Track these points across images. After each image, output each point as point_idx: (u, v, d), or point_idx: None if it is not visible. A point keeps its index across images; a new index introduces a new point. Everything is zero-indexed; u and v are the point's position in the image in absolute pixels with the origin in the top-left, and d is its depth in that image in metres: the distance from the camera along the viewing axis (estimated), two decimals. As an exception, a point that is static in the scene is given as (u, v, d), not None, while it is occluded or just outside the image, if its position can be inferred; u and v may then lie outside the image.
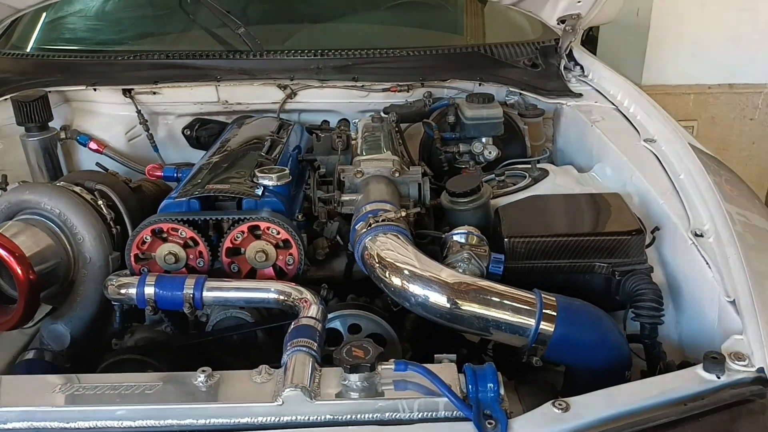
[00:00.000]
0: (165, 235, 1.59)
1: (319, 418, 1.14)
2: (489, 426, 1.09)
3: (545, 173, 1.92)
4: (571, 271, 1.56)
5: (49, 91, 2.36)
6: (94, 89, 2.43)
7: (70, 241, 1.70)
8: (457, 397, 1.12)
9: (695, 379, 1.20)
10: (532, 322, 1.36)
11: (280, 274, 1.61)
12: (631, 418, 1.14)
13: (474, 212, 1.69)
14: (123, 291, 1.53)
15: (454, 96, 2.45)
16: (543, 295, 1.39)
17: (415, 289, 1.40)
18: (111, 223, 1.77)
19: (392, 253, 1.46)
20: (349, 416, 1.14)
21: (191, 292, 1.48)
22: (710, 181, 1.65)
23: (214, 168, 1.83)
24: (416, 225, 1.73)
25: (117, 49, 2.70)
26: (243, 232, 1.58)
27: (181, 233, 1.58)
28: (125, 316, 1.64)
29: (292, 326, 1.32)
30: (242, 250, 1.60)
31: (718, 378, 1.19)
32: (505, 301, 1.37)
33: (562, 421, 1.12)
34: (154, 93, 2.46)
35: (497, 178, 1.93)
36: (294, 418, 1.14)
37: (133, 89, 2.45)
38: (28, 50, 2.77)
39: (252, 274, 1.61)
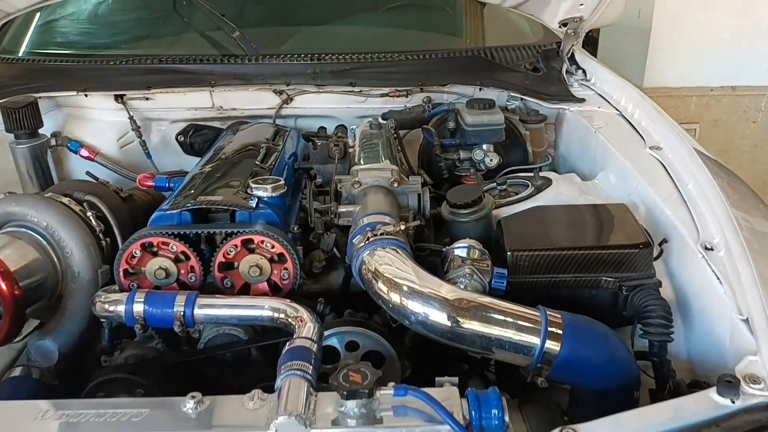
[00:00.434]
0: (155, 249, 1.54)
1: (314, 447, 1.08)
2: (493, 455, 1.04)
3: (548, 182, 1.86)
4: (577, 286, 1.51)
5: (39, 97, 2.31)
6: (86, 95, 2.38)
7: (57, 255, 1.64)
8: (460, 425, 1.06)
9: (709, 404, 1.14)
10: (536, 340, 1.30)
11: (275, 289, 1.56)
12: (642, 445, 1.08)
13: (475, 224, 1.63)
14: (111, 308, 1.48)
15: (454, 101, 2.40)
16: (548, 313, 1.34)
17: (414, 306, 1.35)
18: (100, 235, 1.71)
19: (391, 269, 1.41)
20: (345, 445, 1.08)
21: (182, 309, 1.42)
22: (719, 190, 1.59)
23: (207, 178, 1.77)
24: (416, 237, 1.68)
25: (109, 53, 2.64)
26: (236, 245, 1.53)
27: (171, 247, 1.53)
28: (115, 332, 1.58)
29: (286, 347, 1.26)
30: (235, 264, 1.54)
31: (733, 402, 1.14)
32: (509, 319, 1.32)
33: (569, 449, 1.07)
34: (147, 98, 2.41)
35: (499, 187, 1.88)
36: (288, 446, 1.08)
37: (125, 95, 2.39)
38: (20, 54, 2.72)
39: (246, 289, 1.56)
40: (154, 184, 1.87)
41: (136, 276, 1.55)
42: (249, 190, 1.65)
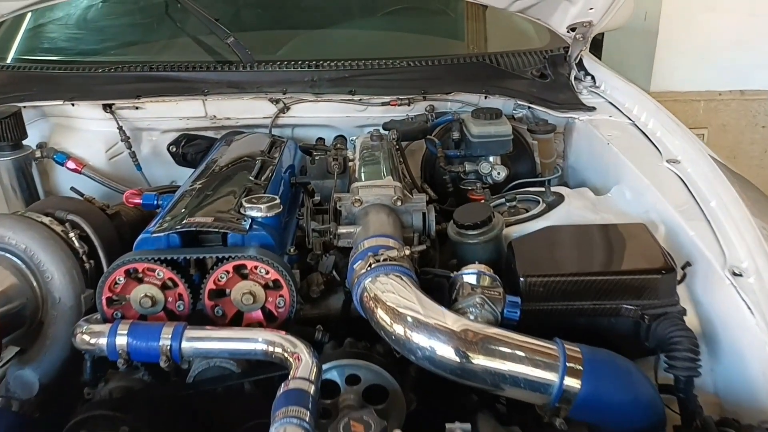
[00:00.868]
0: (140, 276, 1.43)
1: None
2: None
3: (560, 198, 1.75)
4: (594, 314, 1.40)
5: (24, 107, 2.20)
6: (72, 104, 2.27)
7: (37, 279, 1.54)
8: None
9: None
10: (554, 377, 1.20)
11: (270, 318, 1.45)
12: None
13: (484, 246, 1.52)
14: (93, 341, 1.36)
15: (458, 110, 2.29)
16: (566, 346, 1.23)
17: (419, 339, 1.24)
18: (84, 257, 1.61)
19: (394, 298, 1.30)
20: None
21: (168, 343, 1.31)
22: (746, 210, 1.48)
23: (198, 195, 1.66)
24: (420, 258, 1.57)
25: (97, 60, 2.54)
26: (227, 272, 1.41)
27: (158, 273, 1.41)
28: (98, 364, 1.47)
29: (281, 390, 1.16)
30: (227, 291, 1.43)
31: (774, 451, 1.03)
32: (524, 354, 1.21)
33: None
34: (137, 108, 2.29)
35: (508, 204, 1.76)
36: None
37: (113, 104, 2.28)
38: (8, 61, 2.61)
39: (238, 318, 1.45)
40: (141, 201, 1.75)
41: (120, 304, 1.44)
42: (242, 210, 1.54)
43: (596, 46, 3.96)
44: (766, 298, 1.30)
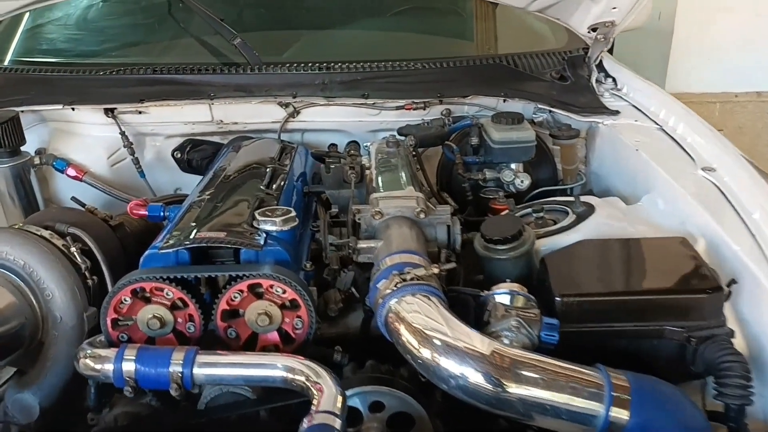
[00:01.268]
0: (148, 295, 1.33)
1: None
2: None
3: (590, 208, 1.65)
4: (636, 336, 1.31)
5: (22, 111, 2.10)
6: (72, 108, 2.16)
7: (37, 298, 1.44)
8: None
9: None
10: (600, 408, 1.11)
11: (287, 340, 1.35)
12: None
13: (515, 262, 1.43)
14: (98, 366, 1.26)
15: (476, 114, 2.20)
16: (610, 373, 1.14)
17: (452, 366, 1.15)
18: (86, 273, 1.51)
19: (423, 320, 1.20)
20: None
21: (179, 369, 1.21)
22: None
23: (207, 207, 1.56)
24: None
25: (98, 62, 2.43)
26: (242, 291, 1.32)
27: (167, 293, 1.31)
28: (102, 389, 1.37)
29: (305, 425, 1.06)
30: (241, 311, 1.33)
31: None
32: (566, 382, 1.12)
33: None
34: (140, 112, 2.19)
35: (535, 215, 1.66)
36: None
37: (116, 108, 2.18)
38: (5, 63, 2.51)
39: (253, 340, 1.35)
40: (147, 213, 1.65)
41: (126, 325, 1.34)
42: (255, 223, 1.43)
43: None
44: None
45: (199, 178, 2.22)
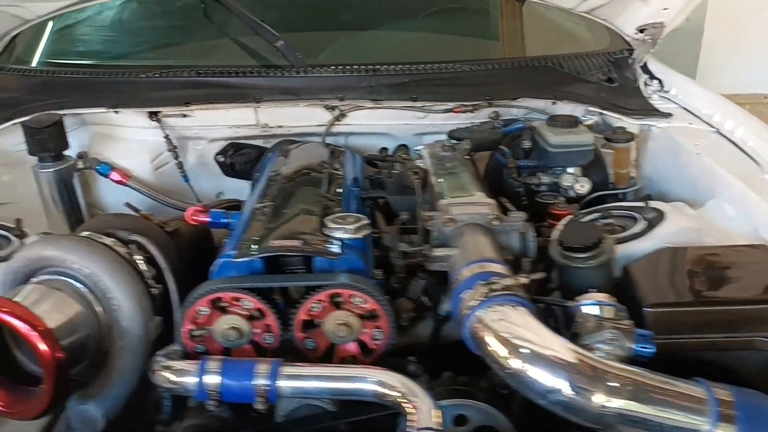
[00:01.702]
0: (224, 305, 1.29)
1: None
2: None
3: (660, 214, 1.62)
4: (726, 348, 1.27)
5: (64, 114, 2.06)
6: (116, 112, 2.13)
7: (103, 307, 1.40)
8: None
9: None
10: (705, 424, 1.07)
11: (365, 351, 1.31)
12: None
13: (596, 271, 1.39)
14: (177, 379, 1.23)
15: (525, 116, 2.16)
16: (712, 387, 1.11)
17: (551, 381, 1.11)
18: (151, 281, 1.47)
19: (516, 331, 1.17)
20: None
21: (265, 382, 1.18)
22: None
23: (272, 214, 1.53)
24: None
25: (141, 64, 2.39)
26: (321, 300, 1.28)
27: (245, 303, 1.28)
28: (176, 402, 1.34)
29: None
30: (318, 322, 1.30)
31: None
32: (670, 397, 1.08)
33: None
34: (184, 115, 2.16)
35: (602, 221, 1.63)
36: None
37: (160, 111, 2.14)
38: (33, 65, 2.47)
39: (330, 351, 1.32)
40: (209, 219, 1.61)
41: (200, 336, 1.30)
42: (326, 231, 1.40)
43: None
44: None
45: (241, 182, 2.20)
